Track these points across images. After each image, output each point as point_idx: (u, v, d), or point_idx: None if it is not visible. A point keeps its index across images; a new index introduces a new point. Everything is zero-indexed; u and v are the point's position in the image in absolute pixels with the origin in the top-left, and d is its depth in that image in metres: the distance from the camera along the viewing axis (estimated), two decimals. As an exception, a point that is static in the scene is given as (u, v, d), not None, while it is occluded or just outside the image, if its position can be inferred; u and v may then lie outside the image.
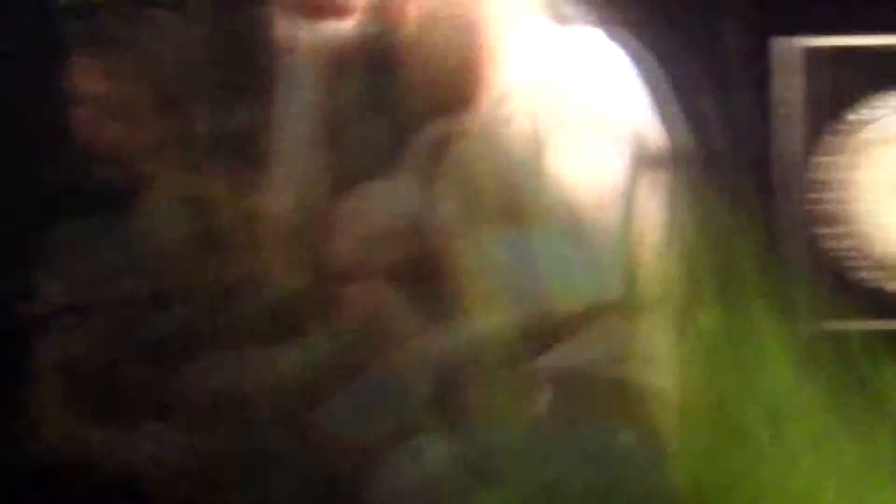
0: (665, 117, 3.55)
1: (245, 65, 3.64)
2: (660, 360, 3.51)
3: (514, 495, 3.14)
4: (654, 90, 3.54)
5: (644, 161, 3.47)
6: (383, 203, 3.61)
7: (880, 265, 5.74)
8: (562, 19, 3.59)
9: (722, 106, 6.47)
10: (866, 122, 5.78)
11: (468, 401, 3.76)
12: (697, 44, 6.81)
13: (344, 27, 3.52)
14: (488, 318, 3.63)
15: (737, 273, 4.91)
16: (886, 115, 5.80)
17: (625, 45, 3.50)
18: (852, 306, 5.65)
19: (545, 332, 3.60)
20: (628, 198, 3.41)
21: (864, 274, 5.72)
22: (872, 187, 5.79)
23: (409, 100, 3.48)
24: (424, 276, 3.71)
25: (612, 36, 3.47)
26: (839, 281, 5.75)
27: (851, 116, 5.79)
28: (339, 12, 3.53)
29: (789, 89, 5.81)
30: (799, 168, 5.75)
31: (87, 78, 4.30)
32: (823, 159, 5.79)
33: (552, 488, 3.16)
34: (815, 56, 5.84)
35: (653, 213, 3.51)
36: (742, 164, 6.22)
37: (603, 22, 3.56)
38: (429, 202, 3.61)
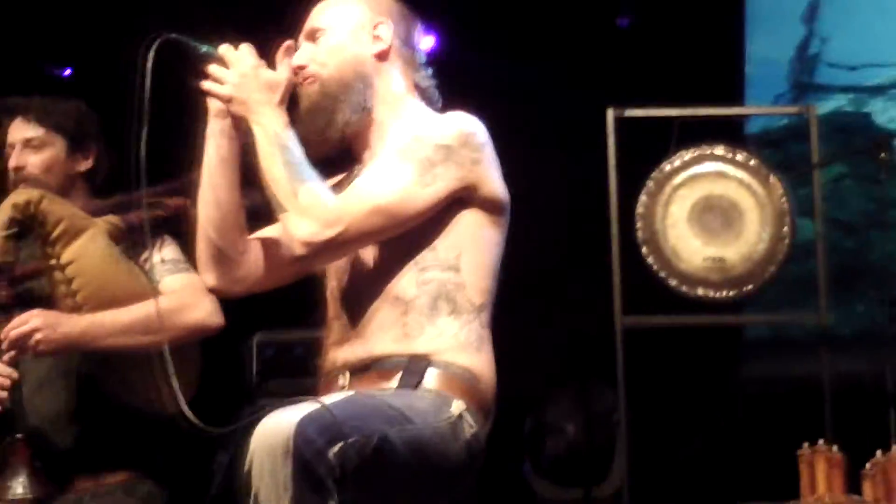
0: (498, 171, 3.35)
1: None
2: None
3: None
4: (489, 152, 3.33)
5: (467, 200, 3.30)
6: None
7: (680, 274, 6.67)
8: (430, 104, 3.49)
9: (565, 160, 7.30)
10: (669, 171, 6.74)
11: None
12: (548, 113, 7.47)
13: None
14: None
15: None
16: (682, 167, 6.74)
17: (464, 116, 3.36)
18: (663, 305, 6.72)
19: None
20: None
21: (670, 281, 6.67)
22: (673, 217, 6.69)
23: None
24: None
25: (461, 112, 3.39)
26: (654, 285, 6.64)
27: (659, 167, 6.72)
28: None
29: (614, 148, 6.62)
30: (622, 205, 6.63)
31: None
32: (641, 198, 6.67)
33: None
34: (629, 122, 6.70)
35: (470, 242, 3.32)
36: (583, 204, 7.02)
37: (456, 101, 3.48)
38: None
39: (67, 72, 8.32)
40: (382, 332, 3.30)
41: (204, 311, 4.17)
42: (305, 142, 3.33)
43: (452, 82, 3.59)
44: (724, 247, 6.69)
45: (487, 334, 3.36)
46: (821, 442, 5.35)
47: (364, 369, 3.31)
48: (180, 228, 4.09)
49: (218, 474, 4.18)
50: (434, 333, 3.29)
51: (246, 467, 3.00)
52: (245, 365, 6.16)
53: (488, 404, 3.34)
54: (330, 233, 3.21)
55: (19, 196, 4.13)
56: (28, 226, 4.11)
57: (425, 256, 3.31)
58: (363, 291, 3.35)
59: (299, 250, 3.24)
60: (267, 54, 3.37)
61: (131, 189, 3.36)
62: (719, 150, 6.80)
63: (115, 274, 4.20)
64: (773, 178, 6.75)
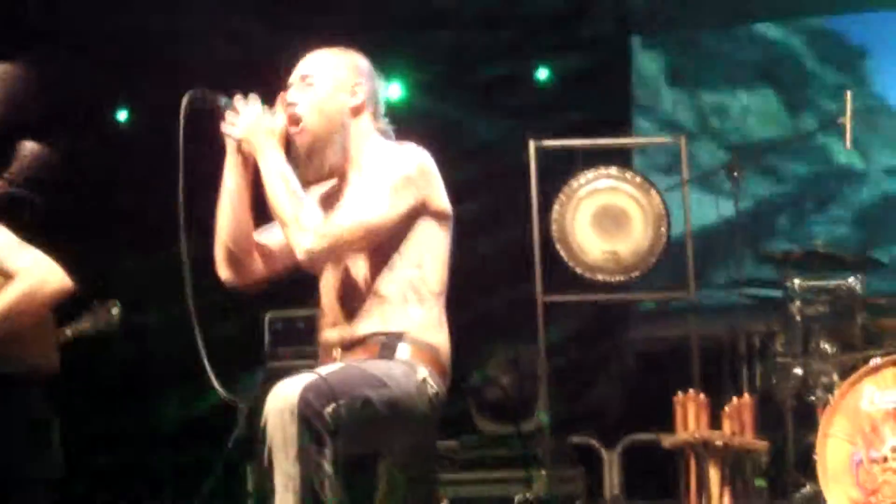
0: (443, 189, 3.32)
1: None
2: None
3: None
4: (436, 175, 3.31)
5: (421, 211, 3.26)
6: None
7: (583, 263, 6.69)
8: (388, 137, 3.42)
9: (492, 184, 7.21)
10: (573, 187, 6.74)
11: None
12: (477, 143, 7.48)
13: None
14: None
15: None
16: (585, 183, 6.75)
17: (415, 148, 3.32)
18: (572, 287, 6.73)
19: None
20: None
21: (577, 269, 6.68)
22: (579, 221, 6.70)
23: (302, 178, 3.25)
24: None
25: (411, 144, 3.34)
26: (565, 272, 6.69)
27: (568, 183, 6.73)
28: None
29: (531, 169, 6.61)
30: (539, 213, 6.58)
31: None
32: (555, 206, 6.68)
33: None
34: (546, 150, 6.69)
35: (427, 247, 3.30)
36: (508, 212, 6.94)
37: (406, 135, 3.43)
38: None
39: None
40: (365, 317, 3.28)
41: (60, 278, 3.60)
42: (300, 174, 3.29)
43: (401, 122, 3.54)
44: (617, 243, 6.70)
45: (444, 315, 3.34)
46: (690, 391, 5.31)
47: (352, 345, 3.28)
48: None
49: (241, 420, 4.08)
50: (404, 317, 3.26)
51: (262, 424, 2.99)
52: (259, 335, 6.13)
53: (446, 369, 3.32)
54: (324, 244, 3.18)
55: None
56: None
57: (394, 258, 3.28)
58: (349, 285, 3.32)
59: (301, 257, 3.21)
60: (272, 96, 3.34)
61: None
62: (613, 170, 6.82)
63: None
64: (653, 191, 6.77)
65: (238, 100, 3.33)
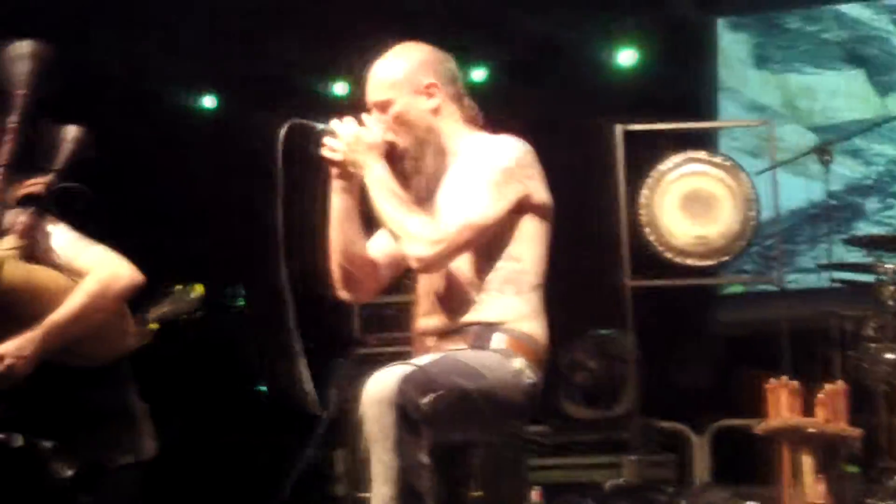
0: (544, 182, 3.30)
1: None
2: None
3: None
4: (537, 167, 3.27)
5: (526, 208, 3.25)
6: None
7: (673, 249, 6.67)
8: (476, 124, 3.39)
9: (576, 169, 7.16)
10: (661, 171, 6.71)
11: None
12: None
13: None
14: None
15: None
16: (673, 167, 6.71)
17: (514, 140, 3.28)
18: (662, 273, 6.70)
19: None
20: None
21: (666, 253, 6.67)
22: (668, 205, 6.69)
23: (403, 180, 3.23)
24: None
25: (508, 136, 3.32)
26: (652, 259, 6.69)
27: (655, 167, 6.70)
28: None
29: (617, 155, 6.55)
30: (627, 196, 6.59)
31: None
32: (643, 191, 6.67)
33: None
34: (632, 134, 6.61)
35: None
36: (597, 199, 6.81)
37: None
38: None
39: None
40: (462, 307, 3.26)
41: (131, 272, 3.58)
42: (404, 184, 3.29)
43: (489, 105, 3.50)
44: (706, 227, 6.67)
45: (542, 306, 3.31)
46: (783, 377, 5.13)
47: (448, 334, 3.27)
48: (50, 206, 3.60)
49: (332, 404, 4.07)
50: (502, 307, 3.24)
51: (359, 414, 2.97)
52: (349, 322, 6.17)
53: (542, 360, 3.29)
54: (436, 249, 3.17)
55: None
56: None
57: (494, 250, 3.26)
58: (447, 275, 3.29)
59: (415, 265, 3.24)
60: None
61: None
62: (702, 154, 6.80)
63: (42, 281, 3.55)
64: (742, 175, 6.70)
65: (335, 124, 3.30)
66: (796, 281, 6.86)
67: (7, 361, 3.43)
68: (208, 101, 8.21)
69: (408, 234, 3.18)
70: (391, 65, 3.37)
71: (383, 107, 3.34)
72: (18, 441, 3.43)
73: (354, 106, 3.41)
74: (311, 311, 3.84)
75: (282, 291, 3.19)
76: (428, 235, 3.17)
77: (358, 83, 3.46)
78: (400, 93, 3.34)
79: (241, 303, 4.76)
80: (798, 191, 7.34)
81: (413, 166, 3.33)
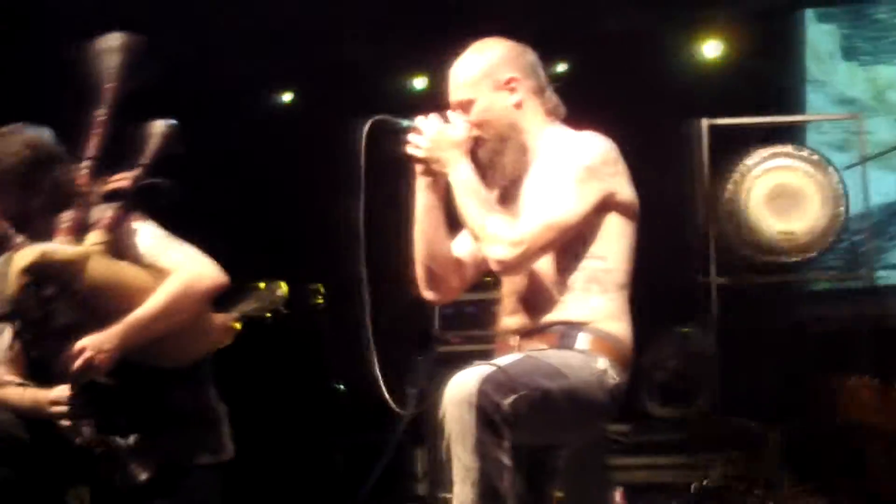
0: (629, 179, 3.22)
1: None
2: None
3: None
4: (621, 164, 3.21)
5: (611, 205, 3.17)
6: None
7: (757, 245, 6.57)
8: (559, 116, 3.33)
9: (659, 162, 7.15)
10: (747, 166, 6.60)
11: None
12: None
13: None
14: None
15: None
16: (760, 161, 6.61)
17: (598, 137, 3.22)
18: (745, 270, 6.62)
19: None
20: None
21: (751, 249, 6.55)
22: (753, 200, 6.58)
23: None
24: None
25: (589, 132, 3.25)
26: (734, 256, 6.57)
27: (740, 162, 6.61)
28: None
29: (701, 150, 6.52)
30: (711, 192, 6.53)
31: None
32: (728, 186, 6.59)
33: None
34: (716, 129, 6.56)
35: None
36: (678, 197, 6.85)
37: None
38: None
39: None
40: (546, 306, 3.19)
41: (215, 273, 3.54)
42: (487, 182, 3.23)
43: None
44: (794, 222, 6.56)
45: (627, 306, 3.23)
46: (865, 376, 5.25)
47: (531, 333, 3.21)
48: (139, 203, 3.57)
49: (411, 402, 4.02)
50: (586, 307, 3.17)
51: (440, 415, 2.92)
52: (430, 320, 6.00)
53: (627, 360, 3.21)
54: (517, 251, 3.10)
55: (24, 259, 3.40)
56: (42, 279, 3.40)
57: (579, 249, 3.18)
58: (531, 275, 3.22)
59: (495, 267, 3.16)
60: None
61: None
62: (789, 149, 6.67)
63: (126, 278, 3.50)
64: (830, 169, 6.60)
65: (418, 120, 3.25)
66: (886, 277, 6.73)
67: (86, 355, 3.39)
68: (288, 98, 8.18)
69: (488, 235, 3.13)
70: (470, 63, 3.31)
71: (465, 106, 3.28)
72: (89, 436, 3.43)
73: (435, 101, 3.34)
74: (391, 309, 3.84)
75: (361, 290, 3.16)
76: (508, 237, 3.10)
77: (438, 79, 3.39)
78: (481, 91, 3.28)
79: (321, 301, 4.69)
80: (888, 186, 7.19)
81: (494, 162, 3.28)
